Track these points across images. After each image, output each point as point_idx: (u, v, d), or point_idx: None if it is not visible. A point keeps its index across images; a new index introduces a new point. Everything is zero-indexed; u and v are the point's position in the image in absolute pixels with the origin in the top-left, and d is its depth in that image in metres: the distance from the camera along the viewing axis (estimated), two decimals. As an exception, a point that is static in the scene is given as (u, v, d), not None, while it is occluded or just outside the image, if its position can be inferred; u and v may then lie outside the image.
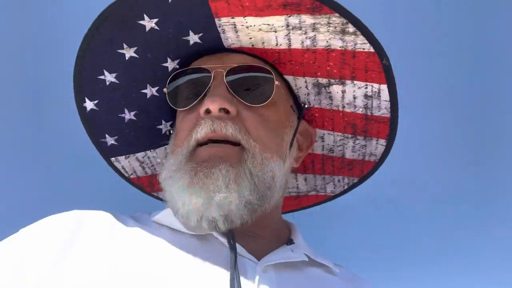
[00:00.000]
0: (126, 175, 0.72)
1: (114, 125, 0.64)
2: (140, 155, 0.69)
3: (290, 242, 0.58)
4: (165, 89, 0.58)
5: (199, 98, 0.54)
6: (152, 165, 0.72)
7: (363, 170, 0.69)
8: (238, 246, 0.51)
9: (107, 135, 0.65)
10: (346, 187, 0.74)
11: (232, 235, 0.50)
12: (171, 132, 0.67)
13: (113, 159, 0.69)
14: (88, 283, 0.45)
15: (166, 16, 0.51)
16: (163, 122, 0.67)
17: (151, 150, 0.69)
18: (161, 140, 0.69)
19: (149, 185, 0.75)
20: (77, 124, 0.65)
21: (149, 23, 0.52)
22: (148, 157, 0.70)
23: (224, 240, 0.51)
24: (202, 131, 0.51)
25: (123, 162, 0.70)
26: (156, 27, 0.52)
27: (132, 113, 0.63)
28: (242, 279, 0.48)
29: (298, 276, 0.53)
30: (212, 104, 0.51)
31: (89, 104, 0.61)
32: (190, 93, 0.56)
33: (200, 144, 0.53)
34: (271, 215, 0.57)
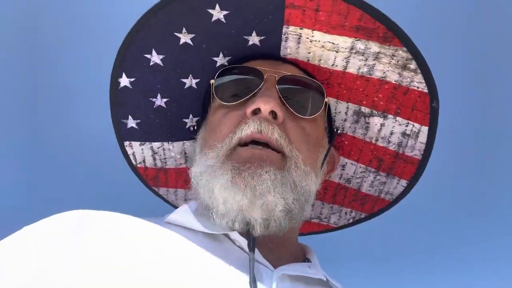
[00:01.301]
0: (134, 162, 0.69)
1: (141, 108, 0.62)
2: (156, 144, 0.66)
3: (306, 261, 0.57)
4: (212, 81, 0.56)
5: (248, 96, 0.53)
6: (165, 158, 0.69)
7: (374, 207, 0.70)
8: (256, 251, 0.49)
9: (130, 117, 0.62)
10: (351, 220, 0.74)
11: (253, 241, 0.48)
12: (195, 128, 0.65)
13: (126, 143, 0.65)
14: (90, 283, 0.41)
15: (238, 11, 0.51)
16: (191, 116, 0.65)
17: (169, 142, 0.67)
18: (182, 134, 0.66)
19: (153, 178, 0.72)
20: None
21: (218, 14, 0.51)
22: (163, 149, 0.67)
23: (243, 243, 0.49)
24: (248, 129, 0.50)
25: (135, 148, 0.66)
26: (223, 20, 0.52)
27: (164, 100, 0.61)
28: (258, 283, 0.45)
29: None
30: (265, 105, 0.50)
31: (125, 81, 0.58)
32: (237, 91, 0.55)
33: (241, 144, 0.51)
34: (293, 232, 0.56)
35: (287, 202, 0.47)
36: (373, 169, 0.65)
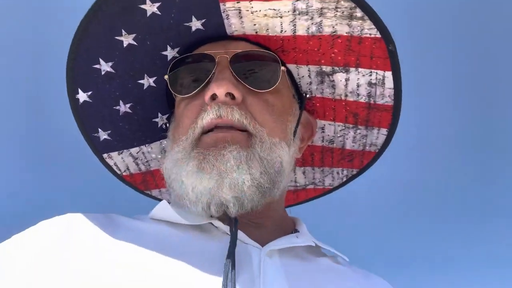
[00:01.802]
0: (119, 172, 0.69)
1: (108, 118, 0.61)
2: (134, 150, 0.66)
3: (294, 231, 0.57)
4: (166, 76, 0.55)
5: (203, 84, 0.52)
6: (147, 161, 0.69)
7: (363, 161, 0.69)
8: (240, 233, 0.49)
9: (100, 129, 0.62)
10: (344, 179, 0.73)
11: (235, 223, 0.49)
12: (168, 125, 0.64)
13: (105, 155, 0.66)
14: (81, 283, 0.42)
15: (169, 1, 0.49)
16: (160, 115, 0.64)
17: (146, 144, 0.67)
18: (156, 134, 0.66)
19: (142, 182, 0.72)
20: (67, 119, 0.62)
21: (150, 7, 0.50)
22: (143, 152, 0.67)
23: (225, 228, 0.50)
24: (208, 117, 0.50)
25: (115, 158, 0.66)
26: (158, 12, 0.50)
27: (128, 105, 0.61)
28: (245, 265, 0.46)
29: (305, 263, 0.52)
30: (219, 89, 0.49)
31: (82, 96, 0.58)
32: (193, 80, 0.54)
33: (205, 132, 0.51)
34: (276, 204, 0.56)
35: (254, 177, 0.47)
36: (351, 125, 0.64)
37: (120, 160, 0.67)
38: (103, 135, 0.63)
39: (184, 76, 0.55)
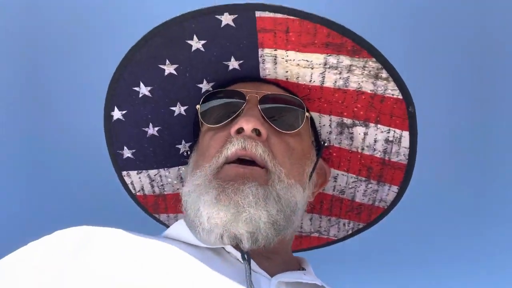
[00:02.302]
0: (133, 191, 0.71)
1: (135, 138, 0.65)
2: (152, 172, 0.69)
3: (302, 269, 0.58)
4: (198, 106, 0.59)
5: (232, 117, 0.56)
6: (162, 184, 0.71)
7: (370, 216, 0.71)
8: (251, 261, 0.50)
9: (125, 147, 0.65)
10: (350, 231, 0.74)
11: (248, 257, 0.50)
12: (189, 152, 0.67)
13: (124, 173, 0.68)
14: None
15: (214, 39, 0.54)
16: (183, 142, 0.67)
17: (165, 168, 0.69)
18: (177, 159, 0.69)
19: (153, 205, 0.74)
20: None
21: (196, 44, 0.55)
22: (160, 176, 0.70)
23: (237, 254, 0.51)
24: (233, 148, 0.53)
25: (133, 177, 0.69)
26: (202, 49, 0.55)
27: (156, 128, 0.64)
28: None
29: None
30: (247, 124, 0.52)
31: (117, 114, 0.62)
32: (222, 114, 0.58)
33: (227, 162, 0.54)
34: (286, 243, 0.57)
35: (270, 214, 0.49)
36: (363, 178, 0.66)
37: (137, 179, 0.69)
38: (127, 153, 0.66)
39: (215, 109, 0.59)
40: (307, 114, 0.58)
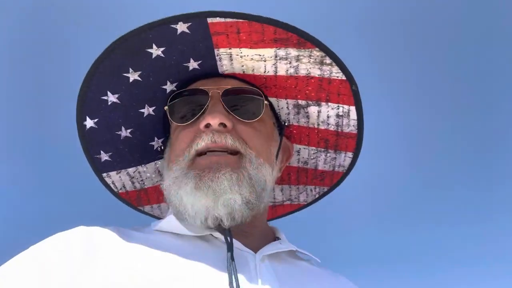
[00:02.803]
0: (116, 190, 0.76)
1: (110, 141, 0.69)
2: (131, 170, 0.74)
3: (276, 239, 0.67)
4: (165, 107, 0.64)
5: (199, 114, 0.61)
6: (142, 180, 0.77)
7: (332, 180, 0.80)
8: (235, 241, 0.58)
9: (102, 151, 0.70)
10: (317, 195, 0.84)
11: (229, 233, 0.57)
12: (162, 148, 0.73)
13: (104, 174, 0.73)
14: None
15: (172, 45, 0.59)
16: (156, 139, 0.73)
17: (142, 165, 0.75)
18: (152, 155, 0.74)
19: (136, 199, 0.80)
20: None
21: (156, 51, 0.59)
22: (139, 172, 0.75)
23: (223, 238, 0.58)
24: (202, 142, 0.59)
25: (113, 177, 0.74)
26: (162, 55, 0.60)
27: (129, 130, 0.69)
28: (243, 268, 0.55)
29: (288, 265, 0.61)
30: (213, 119, 0.58)
31: (89, 122, 0.66)
32: (188, 111, 0.63)
33: (198, 154, 0.60)
34: (261, 216, 0.65)
35: (244, 196, 0.56)
36: (322, 149, 0.75)
37: (117, 178, 0.74)
38: (104, 156, 0.70)
39: (181, 107, 0.64)
40: (265, 102, 0.64)
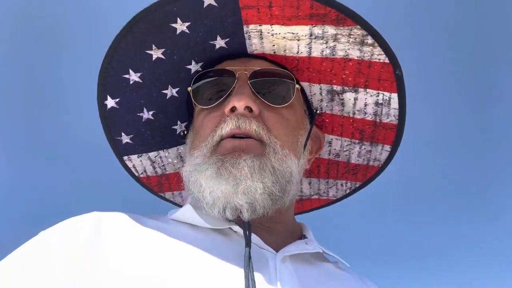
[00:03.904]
0: (136, 174, 0.74)
1: (131, 123, 0.66)
2: (152, 154, 0.71)
3: (303, 237, 0.62)
4: (189, 88, 0.60)
5: (223, 97, 0.57)
6: (163, 165, 0.73)
7: (366, 175, 0.74)
8: (256, 238, 0.53)
9: (123, 133, 0.67)
10: (348, 191, 0.78)
11: (249, 227, 0.53)
12: (185, 132, 0.69)
13: (125, 157, 0.70)
14: (116, 281, 0.45)
15: (198, 20, 0.54)
16: (179, 122, 0.69)
17: (164, 150, 0.71)
18: (174, 140, 0.71)
19: (157, 185, 0.77)
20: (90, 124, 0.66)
21: (180, 26, 0.55)
22: (160, 157, 0.72)
23: (242, 232, 0.53)
24: (227, 127, 0.54)
25: (134, 161, 0.71)
26: (187, 31, 0.55)
27: (151, 112, 0.65)
28: (262, 268, 0.50)
29: (312, 268, 0.56)
30: (239, 102, 0.54)
31: (110, 102, 0.63)
32: (214, 93, 0.59)
33: (223, 139, 0.55)
34: (286, 211, 0.60)
35: (266, 186, 0.52)
36: (357, 141, 0.68)
37: (138, 163, 0.71)
38: (125, 138, 0.67)
39: (206, 89, 0.59)
40: (297, 86, 0.59)
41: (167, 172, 0.75)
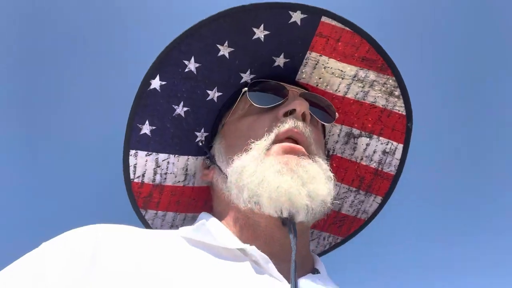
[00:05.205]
0: (132, 176, 0.66)
1: (162, 113, 0.64)
2: (162, 156, 0.67)
3: (315, 271, 0.60)
4: (245, 89, 0.64)
5: (279, 103, 0.62)
6: (166, 173, 0.68)
7: (350, 229, 0.79)
8: (271, 265, 0.51)
9: (147, 122, 0.64)
10: (327, 247, 0.80)
11: (294, 230, 0.52)
12: (203, 143, 0.68)
13: (132, 151, 0.65)
14: None
15: (278, 32, 0.62)
16: (203, 130, 0.68)
17: (176, 155, 0.68)
18: (190, 148, 0.69)
19: (146, 197, 0.69)
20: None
21: (260, 33, 0.62)
22: (168, 162, 0.68)
23: (259, 257, 0.51)
24: (286, 125, 0.58)
25: (139, 159, 0.66)
26: (262, 39, 0.63)
27: (185, 109, 0.65)
28: None
29: None
30: (300, 106, 0.59)
31: (156, 83, 0.62)
32: (267, 99, 0.63)
33: (276, 142, 0.58)
34: (306, 234, 0.61)
35: (329, 192, 0.55)
36: (354, 188, 0.76)
37: (142, 163, 0.66)
38: (145, 129, 0.64)
39: (260, 94, 0.64)
40: (336, 114, 0.68)
41: (165, 184, 0.69)
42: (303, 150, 0.58)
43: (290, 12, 0.61)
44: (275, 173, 0.53)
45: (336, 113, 0.68)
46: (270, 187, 0.52)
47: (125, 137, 0.63)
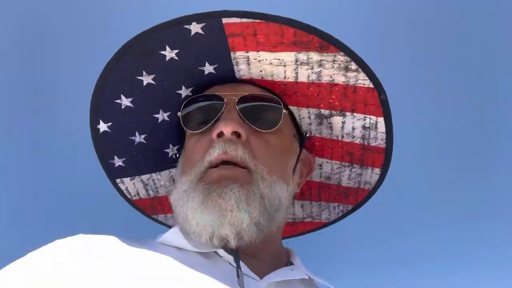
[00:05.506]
0: (129, 196, 0.74)
1: (124, 147, 0.67)
2: (145, 177, 0.72)
3: (290, 264, 0.61)
4: (179, 113, 0.61)
5: (212, 122, 0.58)
6: (156, 187, 0.74)
7: (357, 198, 0.74)
8: (241, 264, 0.53)
9: (115, 157, 0.68)
10: (340, 214, 0.78)
11: (237, 254, 0.53)
12: (177, 155, 0.70)
13: (118, 180, 0.71)
14: None
15: (186, 48, 0.56)
16: (171, 146, 0.70)
17: (157, 172, 0.72)
18: (166, 163, 0.71)
19: (150, 207, 0.77)
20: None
21: (169, 54, 0.56)
22: (153, 180, 0.73)
23: (229, 258, 0.53)
24: (214, 153, 0.55)
25: (127, 183, 0.72)
26: (176, 58, 0.57)
27: (143, 136, 0.67)
28: None
29: None
30: (226, 128, 0.54)
31: (103, 126, 0.64)
32: (203, 118, 0.60)
33: (211, 166, 0.56)
34: (273, 237, 0.60)
35: (253, 217, 0.52)
36: (347, 163, 0.69)
37: (131, 185, 0.72)
38: (118, 162, 0.68)
39: (195, 114, 0.60)
40: (284, 111, 0.60)
41: (160, 195, 0.75)
42: (234, 173, 0.54)
43: (185, 26, 0.52)
44: (195, 207, 0.53)
45: (284, 109, 0.60)
46: (192, 222, 0.53)
47: (105, 172, 0.70)
